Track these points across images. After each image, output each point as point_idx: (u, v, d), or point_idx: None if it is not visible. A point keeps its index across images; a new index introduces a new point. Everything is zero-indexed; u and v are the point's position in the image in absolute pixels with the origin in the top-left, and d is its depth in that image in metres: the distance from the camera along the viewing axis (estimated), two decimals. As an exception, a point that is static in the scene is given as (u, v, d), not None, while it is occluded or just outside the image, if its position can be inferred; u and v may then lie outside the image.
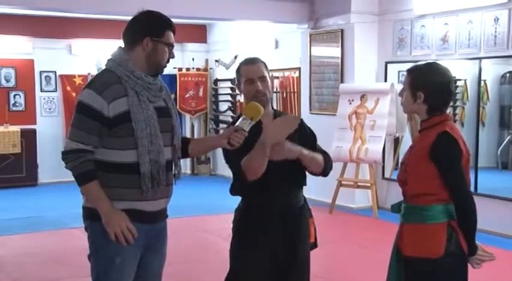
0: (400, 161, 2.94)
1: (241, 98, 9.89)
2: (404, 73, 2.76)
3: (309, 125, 3.01)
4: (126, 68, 2.62)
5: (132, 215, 2.60)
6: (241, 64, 2.94)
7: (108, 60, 2.69)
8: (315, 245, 3.04)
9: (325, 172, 2.92)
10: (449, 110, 8.34)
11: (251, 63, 2.90)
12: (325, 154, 2.95)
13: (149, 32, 2.66)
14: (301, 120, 2.92)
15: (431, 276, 2.59)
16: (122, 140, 2.59)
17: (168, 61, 2.73)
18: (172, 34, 2.71)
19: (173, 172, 2.77)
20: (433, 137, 2.60)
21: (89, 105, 2.55)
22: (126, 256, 2.61)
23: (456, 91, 8.19)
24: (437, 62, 2.92)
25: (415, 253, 2.62)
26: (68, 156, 2.58)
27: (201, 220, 7.55)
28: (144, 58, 2.66)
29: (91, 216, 2.63)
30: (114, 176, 2.60)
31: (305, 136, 2.91)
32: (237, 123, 2.69)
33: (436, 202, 2.60)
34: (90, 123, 2.55)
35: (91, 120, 2.55)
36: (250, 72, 2.86)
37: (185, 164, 11.07)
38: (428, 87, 2.64)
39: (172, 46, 2.72)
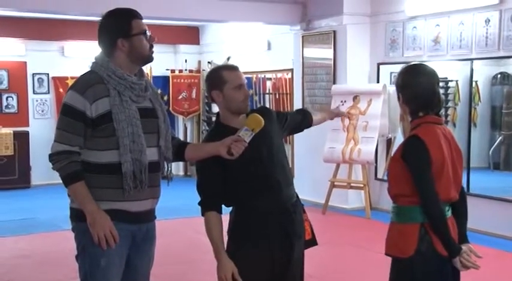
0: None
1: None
2: (396, 74, 2.78)
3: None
4: (108, 68, 2.62)
5: (116, 216, 2.60)
6: (221, 70, 2.83)
7: (92, 62, 2.70)
8: (314, 242, 3.00)
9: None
10: (441, 111, 8.45)
11: (234, 69, 2.84)
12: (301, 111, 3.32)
13: (118, 33, 2.65)
14: (266, 109, 3.01)
15: (404, 275, 2.62)
16: (105, 140, 2.59)
17: (151, 46, 2.72)
18: (138, 20, 2.68)
19: (162, 173, 2.77)
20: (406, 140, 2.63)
21: (72, 106, 2.56)
22: (111, 257, 2.61)
23: (448, 92, 8.24)
24: (428, 63, 2.92)
25: (390, 252, 2.68)
26: (54, 158, 2.59)
27: (194, 221, 7.49)
28: (126, 58, 2.66)
29: (77, 217, 2.64)
30: (98, 177, 2.60)
31: (280, 119, 3.01)
32: (238, 134, 2.66)
33: (412, 203, 2.60)
34: (75, 124, 2.56)
35: (75, 121, 2.56)
36: (239, 78, 2.80)
37: (178, 166, 11.05)
38: (405, 89, 2.66)
39: (146, 31, 2.69)
